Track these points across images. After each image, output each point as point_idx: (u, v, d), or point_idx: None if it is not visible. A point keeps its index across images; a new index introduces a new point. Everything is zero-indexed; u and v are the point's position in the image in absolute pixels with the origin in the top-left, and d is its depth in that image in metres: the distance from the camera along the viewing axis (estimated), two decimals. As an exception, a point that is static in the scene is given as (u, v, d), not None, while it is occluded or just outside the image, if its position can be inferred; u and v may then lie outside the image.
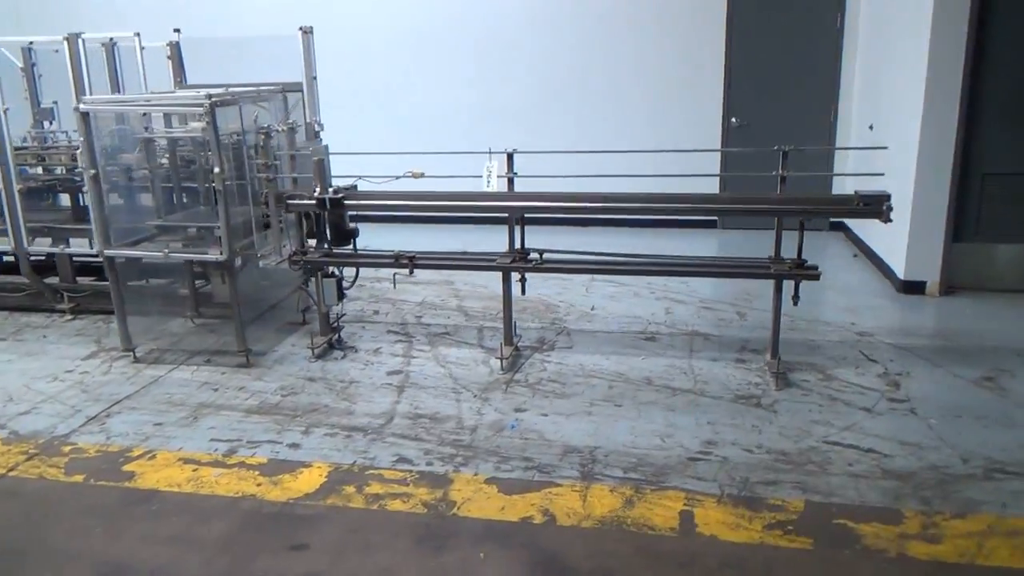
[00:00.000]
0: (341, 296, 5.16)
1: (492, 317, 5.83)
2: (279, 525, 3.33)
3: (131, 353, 5.17)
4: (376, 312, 6.09)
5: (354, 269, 5.25)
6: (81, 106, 4.65)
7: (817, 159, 8.15)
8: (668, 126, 8.53)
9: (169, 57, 6.64)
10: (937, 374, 4.68)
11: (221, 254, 4.73)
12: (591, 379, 4.72)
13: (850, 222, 8.12)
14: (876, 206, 4.23)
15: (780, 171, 4.53)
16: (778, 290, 4.59)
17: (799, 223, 4.50)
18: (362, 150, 4.95)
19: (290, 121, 5.14)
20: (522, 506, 3.41)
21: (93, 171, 4.74)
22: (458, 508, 3.40)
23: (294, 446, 3.99)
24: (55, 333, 5.78)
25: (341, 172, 5.15)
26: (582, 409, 4.32)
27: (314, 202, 4.83)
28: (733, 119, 8.41)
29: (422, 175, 5.00)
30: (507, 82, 8.94)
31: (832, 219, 8.20)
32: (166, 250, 4.84)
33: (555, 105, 8.85)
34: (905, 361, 4.87)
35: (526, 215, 4.91)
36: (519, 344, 5.24)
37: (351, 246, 5.39)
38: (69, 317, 6.06)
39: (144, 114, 4.61)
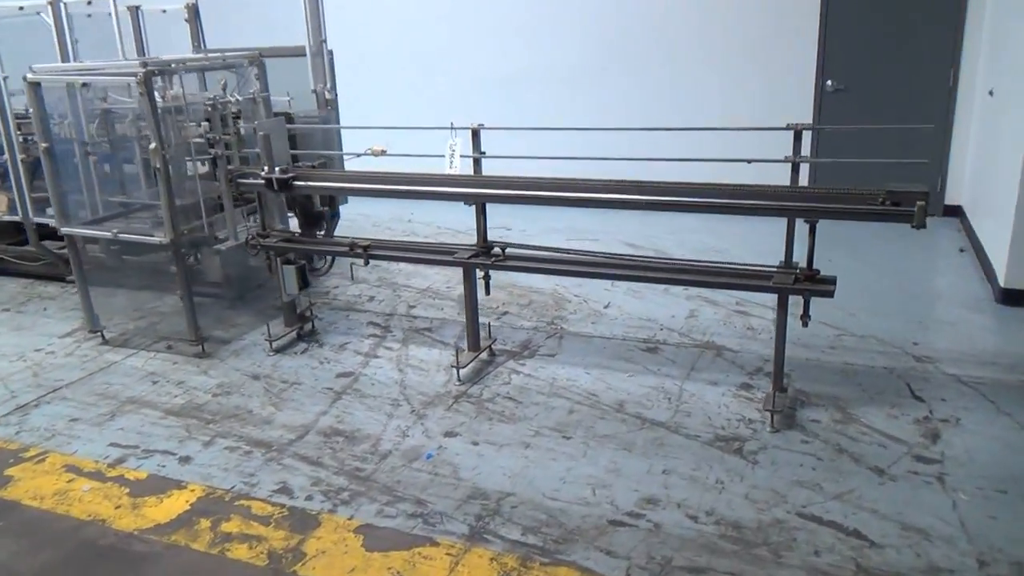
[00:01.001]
0: (304, 285, 4.69)
1: (494, 311, 5.18)
2: (103, 563, 2.93)
3: (99, 334, 4.98)
4: (371, 299, 5.60)
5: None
6: (29, 76, 4.39)
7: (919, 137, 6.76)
8: (744, 90, 7.38)
9: (187, 20, 6.38)
10: (998, 425, 3.59)
11: (164, 236, 4.38)
12: (554, 399, 4.00)
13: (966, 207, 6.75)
14: (906, 205, 3.19)
15: (792, 155, 3.57)
16: (782, 305, 3.65)
17: (808, 225, 3.53)
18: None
19: (251, 91, 4.67)
20: (376, 569, 2.81)
21: (45, 144, 4.50)
22: (303, 564, 2.86)
23: (186, 460, 3.59)
24: (56, 306, 5.73)
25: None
26: (521, 439, 3.63)
27: (262, 182, 4.36)
28: (829, 81, 7.14)
29: (383, 152, 4.42)
30: (556, 42, 8.06)
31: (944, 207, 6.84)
32: (115, 231, 4.54)
33: (613, 67, 7.88)
34: (962, 402, 3.79)
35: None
36: (495, 348, 4.59)
37: (324, 230, 4.92)
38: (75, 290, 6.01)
39: (84, 85, 4.30)
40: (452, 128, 4.16)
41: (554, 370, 4.34)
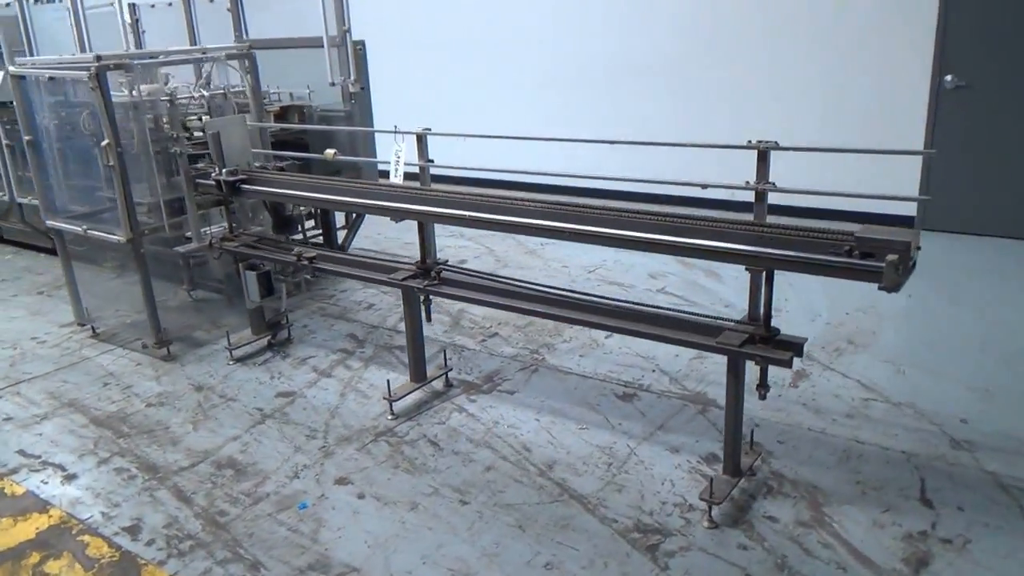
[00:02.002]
0: (268, 292, 4.40)
1: (484, 331, 4.67)
2: (-89, 593, 2.76)
3: (91, 328, 4.96)
4: (370, 307, 5.24)
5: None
6: (11, 69, 4.38)
7: None
8: (848, 83, 6.29)
9: (229, 9, 6.28)
10: (1021, 558, 2.64)
11: (122, 235, 4.23)
12: (480, 450, 3.45)
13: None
14: (879, 258, 2.35)
15: (756, 182, 2.79)
16: (731, 370, 2.88)
17: (763, 274, 2.74)
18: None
19: (223, 87, 4.41)
20: (152, 648, 2.44)
21: (28, 137, 4.49)
22: (87, 627, 2.54)
23: (70, 478, 3.40)
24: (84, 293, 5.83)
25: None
26: (413, 498, 3.12)
27: (213, 183, 4.10)
28: (948, 77, 5.92)
29: (335, 155, 4.01)
30: (634, 28, 7.26)
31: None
32: (84, 227, 4.46)
33: (698, 59, 7.00)
34: (986, 516, 2.84)
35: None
36: (455, 377, 4.08)
37: (299, 233, 4.62)
38: (112, 276, 6.11)
39: (50, 79, 4.21)
40: (396, 132, 3.68)
41: (503, 412, 3.77)
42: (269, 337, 4.63)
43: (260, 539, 2.92)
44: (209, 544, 2.91)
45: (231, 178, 4.00)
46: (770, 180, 2.77)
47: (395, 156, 3.68)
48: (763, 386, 2.86)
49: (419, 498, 3.12)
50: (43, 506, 3.20)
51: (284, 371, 4.32)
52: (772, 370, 3.84)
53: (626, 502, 3.02)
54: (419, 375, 3.90)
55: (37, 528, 3.06)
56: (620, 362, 4.24)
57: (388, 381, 3.83)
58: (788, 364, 2.71)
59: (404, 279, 3.65)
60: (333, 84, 5.57)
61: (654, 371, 4.11)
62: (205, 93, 4.31)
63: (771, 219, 2.78)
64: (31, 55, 7.46)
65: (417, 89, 8.98)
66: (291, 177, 3.94)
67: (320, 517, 3.04)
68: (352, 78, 5.64)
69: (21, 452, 3.63)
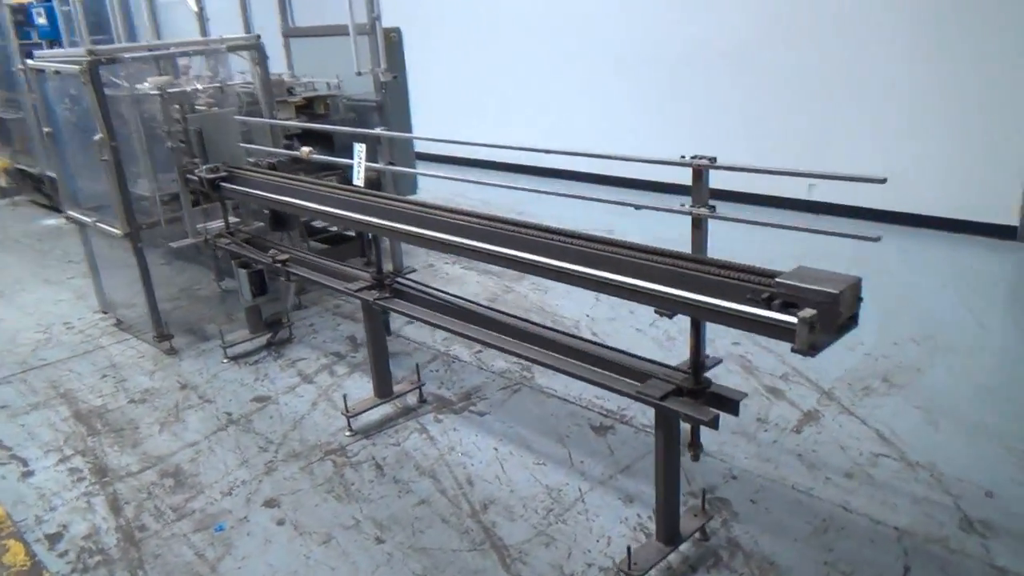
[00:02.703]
0: (261, 291, 4.31)
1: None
2: None
3: (115, 317, 5.09)
4: (384, 306, 5.07)
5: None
6: (29, 62, 4.49)
7: None
8: (945, 80, 5.49)
9: (276, -4, 6.25)
10: None
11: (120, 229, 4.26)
12: (422, 480, 3.20)
13: None
14: (799, 310, 1.90)
15: (693, 204, 2.37)
16: (660, 424, 2.46)
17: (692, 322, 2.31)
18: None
19: (219, 80, 4.32)
20: (8, 676, 2.37)
21: (48, 129, 4.60)
22: (-38, 643, 2.51)
23: (27, 475, 3.44)
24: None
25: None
26: (330, 529, 2.92)
27: (197, 179, 4.03)
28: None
29: (310, 153, 3.84)
30: (712, 11, 6.64)
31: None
32: (93, 219, 4.53)
33: (771, 43, 6.32)
34: (974, 625, 2.31)
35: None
36: (426, 391, 3.84)
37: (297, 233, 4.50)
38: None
39: (56, 72, 4.25)
40: (357, 131, 3.44)
41: (464, 436, 3.49)
42: (270, 336, 4.55)
43: (164, 562, 2.81)
44: (115, 562, 2.83)
45: (211, 175, 3.91)
46: (710, 203, 2.33)
47: (357, 157, 3.45)
48: (693, 446, 2.42)
49: (337, 531, 2.92)
50: (-8, 516, 3.25)
51: (270, 373, 4.23)
52: (778, 409, 3.42)
53: (549, 559, 2.69)
54: (383, 391, 3.69)
55: (-33, 527, 3.10)
56: (613, 386, 3.85)
57: (344, 396, 3.64)
58: (712, 425, 2.28)
59: (358, 290, 3.43)
60: (359, 74, 5.40)
61: (645, 400, 3.70)
62: (199, 86, 4.24)
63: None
64: (126, 40, 7.73)
65: (466, 77, 8.74)
66: (271, 178, 3.80)
67: (231, 543, 2.90)
68: (383, 67, 5.46)
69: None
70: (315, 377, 4.15)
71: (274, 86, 5.35)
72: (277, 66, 6.36)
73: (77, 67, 3.93)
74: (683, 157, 2.36)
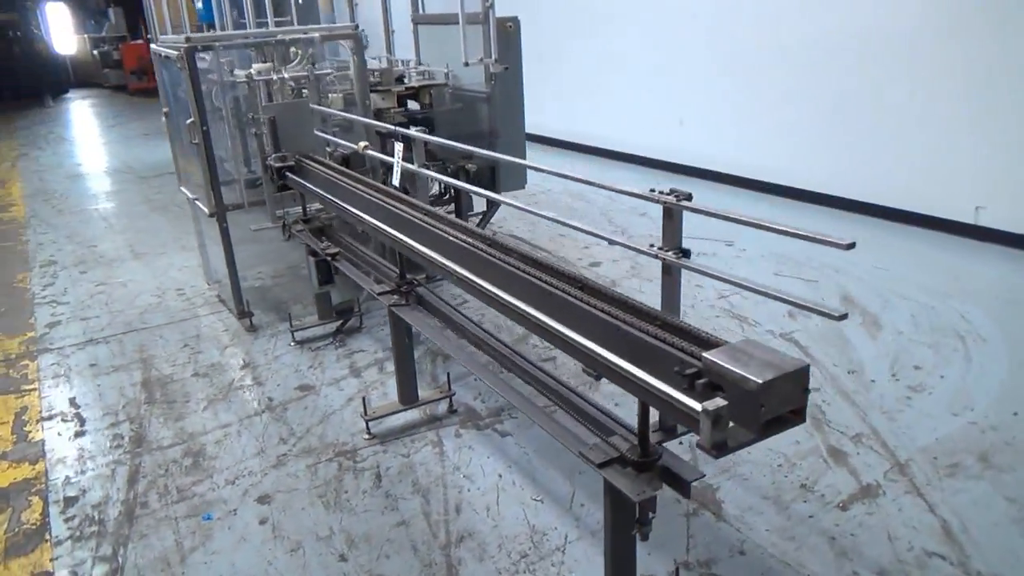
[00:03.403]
0: (328, 280, 4.35)
1: (550, 354, 4.18)
2: None
3: (217, 289, 5.37)
4: (465, 302, 4.96)
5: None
6: (152, 47, 4.79)
7: None
8: None
9: (413, -11, 6.26)
10: None
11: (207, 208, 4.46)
12: (411, 500, 3.06)
13: None
14: (727, 393, 1.54)
15: (662, 245, 2.02)
16: (608, 497, 2.13)
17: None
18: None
19: (302, 67, 4.35)
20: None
21: (165, 109, 4.90)
22: (-49, 592, 2.71)
23: (78, 435, 3.68)
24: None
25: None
26: (303, 538, 2.87)
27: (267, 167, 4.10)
28: None
29: (366, 148, 3.77)
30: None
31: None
32: (194, 196, 4.77)
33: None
34: None
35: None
36: (457, 399, 3.69)
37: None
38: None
39: (166, 57, 4.47)
40: (395, 130, 3.32)
41: (476, 456, 3.31)
42: (339, 323, 4.60)
43: (146, 544, 2.89)
44: (106, 536, 2.94)
45: (278, 164, 3.97)
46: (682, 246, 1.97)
47: (397, 156, 3.33)
48: (640, 523, 2.07)
49: (309, 540, 2.85)
50: (37, 458, 3.51)
51: (325, 362, 4.26)
52: (832, 477, 2.99)
53: (498, 614, 2.46)
54: (408, 397, 3.57)
55: (13, 480, 3.36)
56: (654, 422, 3.49)
57: (364, 399, 3.56)
58: (648, 507, 1.93)
59: (381, 293, 3.33)
60: (467, 64, 5.28)
61: (682, 443, 3.32)
62: (286, 75, 4.31)
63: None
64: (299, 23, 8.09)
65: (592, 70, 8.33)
66: (331, 173, 3.78)
67: (211, 535, 2.92)
68: (493, 58, 5.30)
69: (72, 400, 4.03)
70: (364, 372, 4.12)
71: (383, 75, 5.38)
72: (408, 53, 6.42)
73: (175, 53, 4.13)
74: (653, 191, 2.01)
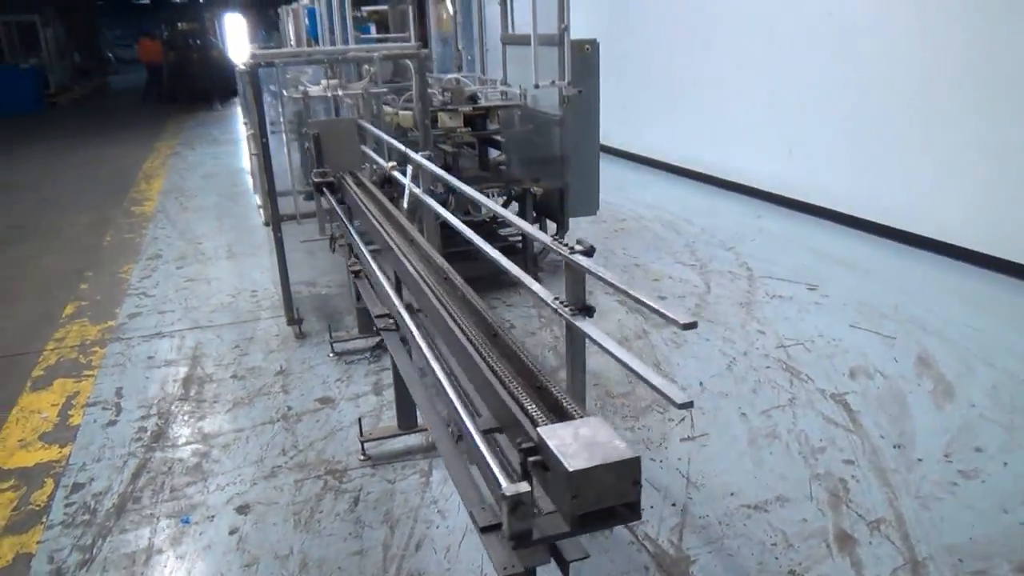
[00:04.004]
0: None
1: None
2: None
3: (286, 291, 5.56)
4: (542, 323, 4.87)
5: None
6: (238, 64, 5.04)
7: None
8: None
9: (500, 3, 6.25)
10: None
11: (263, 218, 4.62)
12: (376, 530, 3.00)
13: None
14: (554, 472, 1.37)
15: (566, 304, 1.86)
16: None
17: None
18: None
19: (366, 85, 4.42)
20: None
21: (245, 120, 5.13)
22: (-55, 561, 2.92)
23: (111, 424, 3.90)
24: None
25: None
26: (261, 556, 2.88)
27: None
28: None
29: (392, 168, 3.76)
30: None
31: None
32: (259, 204, 4.96)
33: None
34: None
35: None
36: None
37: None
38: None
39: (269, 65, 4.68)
40: (407, 152, 3.28)
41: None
42: (380, 339, 4.62)
43: (122, 540, 2.99)
44: (91, 527, 3.08)
45: (318, 179, 4.05)
46: None
47: (407, 180, 3.30)
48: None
49: (266, 558, 2.86)
50: (66, 442, 3.74)
51: (354, 376, 4.30)
52: (829, 568, 2.66)
53: (413, 665, 2.35)
54: (406, 422, 3.53)
55: (38, 460, 3.60)
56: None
57: (360, 420, 3.54)
58: (515, 583, 1.76)
59: (378, 315, 3.30)
60: (537, 86, 5.21)
61: (674, 513, 3.06)
62: (340, 92, 4.40)
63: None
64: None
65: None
66: (357, 192, 3.80)
67: (180, 539, 2.99)
68: (566, 80, 5.19)
69: (118, 390, 4.28)
70: (386, 390, 4.12)
71: (453, 94, 5.40)
72: (498, 72, 6.42)
73: (243, 68, 4.32)
74: (556, 238, 1.84)
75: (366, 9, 10.97)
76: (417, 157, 3.31)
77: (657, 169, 9.56)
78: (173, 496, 3.26)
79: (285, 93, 4.62)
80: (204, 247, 6.98)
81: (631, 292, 1.68)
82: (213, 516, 3.11)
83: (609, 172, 9.61)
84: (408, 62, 4.71)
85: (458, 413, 1.72)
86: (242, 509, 3.15)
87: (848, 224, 6.74)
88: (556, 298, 1.91)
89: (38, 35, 22.41)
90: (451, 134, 5.25)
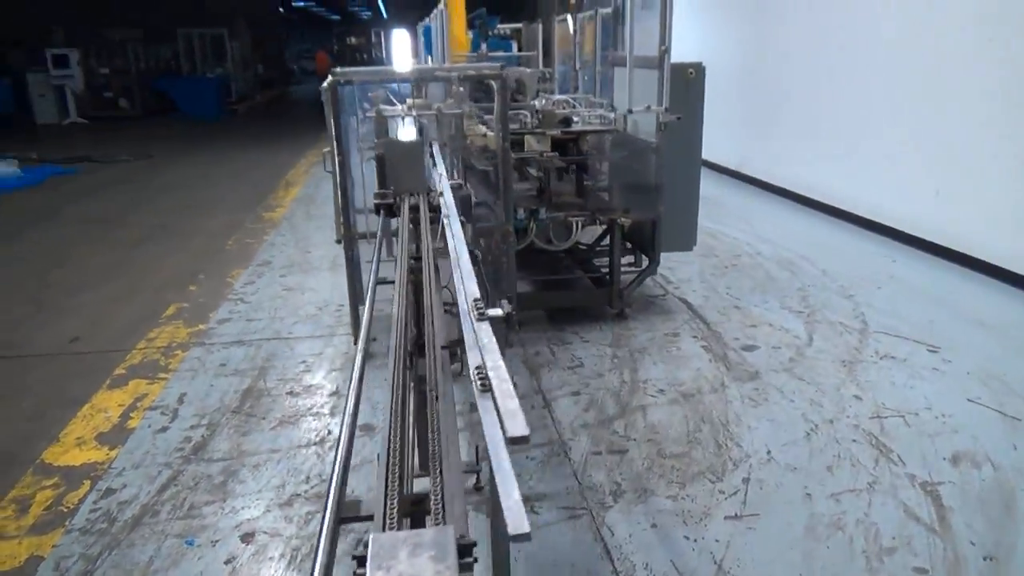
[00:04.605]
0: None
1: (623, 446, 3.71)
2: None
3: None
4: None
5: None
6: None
7: None
8: None
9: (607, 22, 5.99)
10: None
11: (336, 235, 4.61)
12: (370, 577, 2.83)
13: None
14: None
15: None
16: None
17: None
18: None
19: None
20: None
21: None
22: (-32, 554, 3.05)
23: (163, 430, 3.99)
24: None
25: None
26: (245, 590, 2.79)
27: (375, 203, 4.12)
28: None
29: (441, 194, 3.61)
30: None
31: None
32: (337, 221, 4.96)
33: None
34: None
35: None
36: (481, 475, 3.38)
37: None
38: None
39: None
40: (442, 174, 3.10)
41: (462, 548, 2.98)
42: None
43: (127, 556, 3.00)
44: (105, 536, 3.12)
45: (377, 201, 3.96)
46: None
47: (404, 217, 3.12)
48: None
49: (249, 594, 2.77)
50: (116, 444, 3.85)
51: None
52: None
53: None
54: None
55: (86, 460, 3.72)
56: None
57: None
58: None
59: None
60: (630, 111, 4.90)
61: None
62: (413, 113, 4.30)
63: None
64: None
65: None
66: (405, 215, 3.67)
67: (179, 560, 2.96)
68: (663, 106, 4.86)
69: (181, 397, 4.38)
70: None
71: (544, 116, 5.19)
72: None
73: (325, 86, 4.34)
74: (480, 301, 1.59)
75: (504, 27, 11.02)
76: (445, 183, 3.13)
77: (786, 199, 8.89)
78: (189, 514, 3.25)
79: (360, 113, 4.60)
80: (312, 256, 7.16)
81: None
82: (216, 541, 3.07)
83: (736, 201, 9.07)
84: (492, 83, 4.55)
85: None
86: (246, 537, 3.09)
87: (999, 278, 5.90)
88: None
89: (225, 47, 24.36)
90: (539, 158, 5.05)
